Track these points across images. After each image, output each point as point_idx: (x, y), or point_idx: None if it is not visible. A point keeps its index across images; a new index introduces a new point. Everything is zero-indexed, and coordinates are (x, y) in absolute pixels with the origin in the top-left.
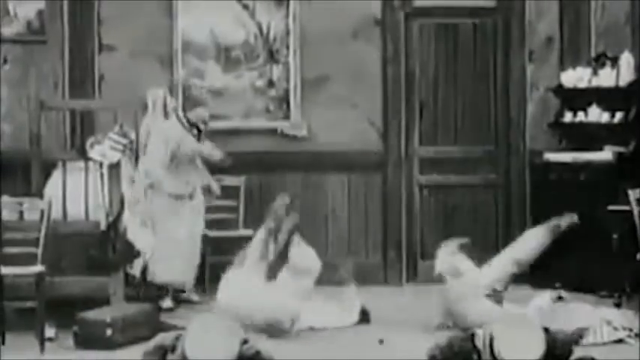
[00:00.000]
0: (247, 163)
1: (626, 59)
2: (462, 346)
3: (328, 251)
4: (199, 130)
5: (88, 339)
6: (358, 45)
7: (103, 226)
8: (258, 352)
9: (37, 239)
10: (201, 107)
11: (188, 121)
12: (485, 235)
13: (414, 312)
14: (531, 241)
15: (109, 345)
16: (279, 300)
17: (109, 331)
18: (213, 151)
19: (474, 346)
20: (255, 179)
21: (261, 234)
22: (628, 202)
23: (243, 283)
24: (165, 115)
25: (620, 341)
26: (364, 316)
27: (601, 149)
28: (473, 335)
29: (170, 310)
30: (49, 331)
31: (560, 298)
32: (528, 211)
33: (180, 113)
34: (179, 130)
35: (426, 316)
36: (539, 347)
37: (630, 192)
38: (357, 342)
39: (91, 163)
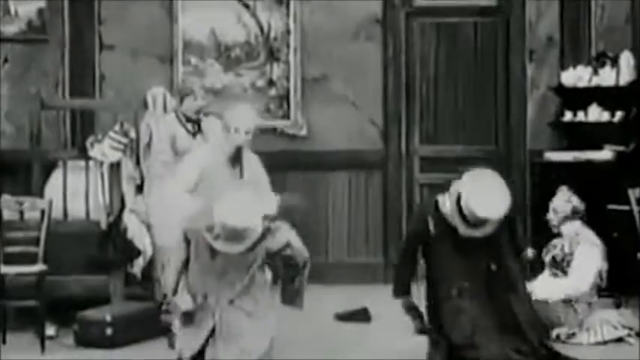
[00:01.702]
0: None
1: (627, 58)
2: (425, 213)
3: (328, 251)
4: (198, 125)
5: (89, 338)
6: (359, 44)
7: (103, 226)
8: (288, 244)
9: (38, 238)
10: (189, 97)
11: (184, 115)
12: None
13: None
14: None
15: (110, 344)
16: None
17: (109, 330)
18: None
19: (437, 210)
20: None
21: None
22: (628, 202)
23: None
24: (165, 111)
25: (619, 340)
26: (365, 316)
27: (601, 148)
28: (437, 202)
29: None
30: (50, 330)
31: None
32: (529, 211)
33: (178, 108)
34: (174, 125)
35: None
36: (506, 201)
37: (630, 191)
38: (357, 341)
39: (91, 163)
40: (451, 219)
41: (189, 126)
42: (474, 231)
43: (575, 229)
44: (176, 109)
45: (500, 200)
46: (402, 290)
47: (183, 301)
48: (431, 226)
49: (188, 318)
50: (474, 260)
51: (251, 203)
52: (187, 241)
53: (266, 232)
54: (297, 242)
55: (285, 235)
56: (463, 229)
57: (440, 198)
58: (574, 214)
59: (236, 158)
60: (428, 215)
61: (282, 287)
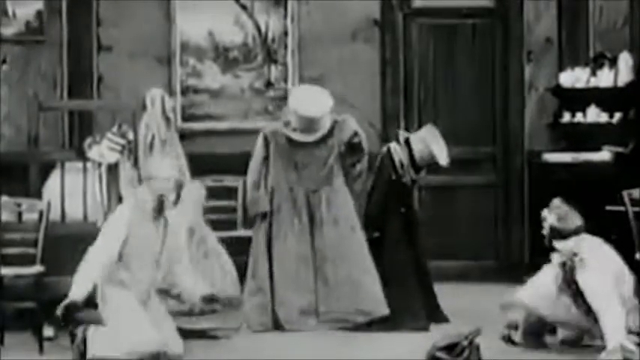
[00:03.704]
0: (246, 163)
1: (625, 60)
2: (383, 160)
3: None
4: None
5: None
6: (357, 45)
7: (101, 227)
8: (355, 132)
9: (36, 240)
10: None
11: None
12: (485, 235)
13: None
14: None
15: None
16: None
17: None
18: None
19: (392, 160)
20: None
21: None
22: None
23: None
24: (164, 113)
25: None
26: None
27: (599, 150)
28: (389, 149)
29: None
30: (48, 331)
31: None
32: (527, 212)
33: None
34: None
35: None
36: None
37: (625, 193)
38: (358, 341)
39: (89, 164)
40: (400, 165)
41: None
42: (418, 175)
43: (571, 247)
44: None
45: (445, 151)
46: (373, 229)
47: (263, 203)
48: (392, 174)
49: (264, 217)
50: (401, 202)
51: (320, 96)
52: (266, 142)
53: (335, 125)
54: (361, 130)
55: (351, 124)
56: (411, 173)
57: (392, 146)
58: (552, 232)
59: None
60: (388, 164)
61: (344, 173)
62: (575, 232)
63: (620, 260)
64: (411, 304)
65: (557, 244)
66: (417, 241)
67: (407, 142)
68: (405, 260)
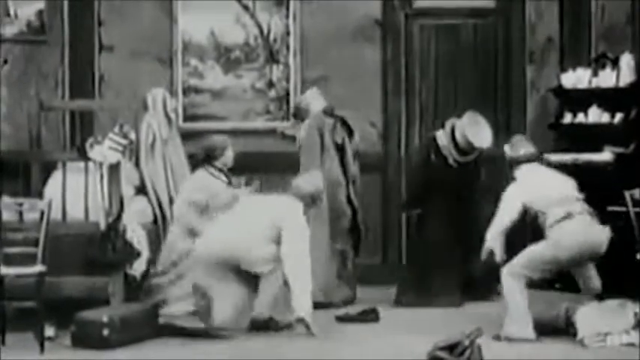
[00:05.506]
0: (247, 163)
1: (627, 60)
2: (428, 145)
3: None
4: (227, 175)
5: (85, 339)
6: (358, 46)
7: (102, 227)
8: None
9: (37, 239)
10: (225, 153)
11: (217, 169)
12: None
13: (413, 312)
14: None
15: (106, 345)
16: None
17: (105, 331)
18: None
19: (436, 145)
20: (255, 180)
21: None
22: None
23: None
24: (166, 115)
25: None
26: (374, 315)
27: (601, 150)
28: (434, 137)
29: None
30: (49, 331)
31: None
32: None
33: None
34: (210, 181)
35: (426, 316)
36: (490, 136)
37: (626, 193)
38: (358, 341)
39: (90, 164)
40: (444, 149)
41: (223, 177)
42: (465, 157)
43: (523, 172)
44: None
45: (488, 134)
46: (413, 206)
47: None
48: (432, 156)
49: None
50: (456, 184)
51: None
52: None
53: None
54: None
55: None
56: (455, 156)
57: (437, 133)
58: (510, 161)
59: None
60: (430, 148)
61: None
62: (527, 159)
63: (558, 177)
64: (445, 282)
65: (514, 172)
66: (472, 221)
67: (452, 128)
68: (444, 238)
